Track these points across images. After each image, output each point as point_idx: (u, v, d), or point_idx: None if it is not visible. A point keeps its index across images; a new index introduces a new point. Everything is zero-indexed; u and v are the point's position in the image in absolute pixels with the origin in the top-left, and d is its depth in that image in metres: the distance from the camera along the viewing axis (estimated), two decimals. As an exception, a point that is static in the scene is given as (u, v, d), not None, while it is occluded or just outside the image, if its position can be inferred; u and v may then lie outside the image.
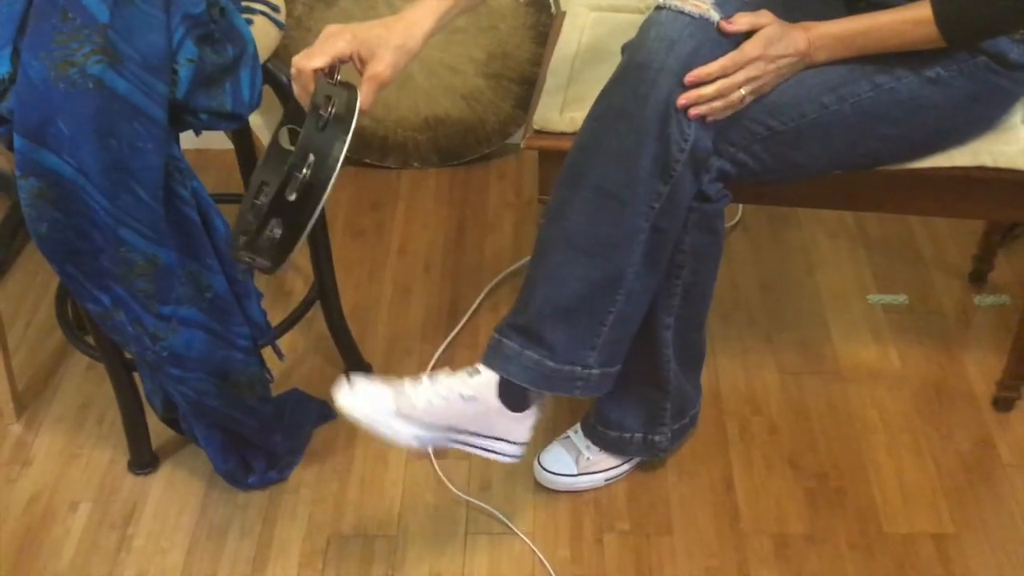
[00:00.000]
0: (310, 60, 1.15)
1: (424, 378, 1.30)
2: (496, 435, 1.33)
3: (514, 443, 1.35)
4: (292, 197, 1.10)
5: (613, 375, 1.36)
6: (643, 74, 1.22)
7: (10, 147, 1.23)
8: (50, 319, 1.81)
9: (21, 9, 1.23)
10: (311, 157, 1.09)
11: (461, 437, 1.32)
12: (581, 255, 1.27)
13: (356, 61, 1.18)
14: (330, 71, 1.16)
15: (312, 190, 1.10)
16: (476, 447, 1.34)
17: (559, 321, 1.30)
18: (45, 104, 1.19)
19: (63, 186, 1.23)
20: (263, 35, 1.38)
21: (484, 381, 1.31)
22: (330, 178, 1.10)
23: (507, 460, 1.36)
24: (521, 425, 1.35)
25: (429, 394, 1.28)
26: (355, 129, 1.13)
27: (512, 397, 1.32)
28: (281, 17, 1.44)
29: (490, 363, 1.32)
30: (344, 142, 1.11)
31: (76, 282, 1.32)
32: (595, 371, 1.33)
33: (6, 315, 1.86)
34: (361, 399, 1.27)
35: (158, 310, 1.34)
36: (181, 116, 1.27)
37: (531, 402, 1.34)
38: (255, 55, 1.33)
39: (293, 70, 1.17)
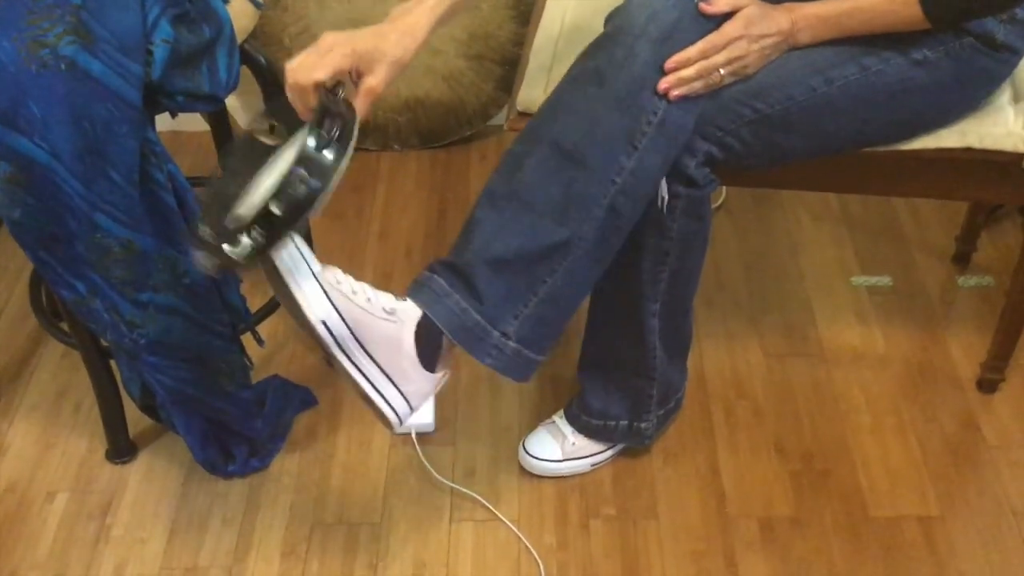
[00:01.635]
0: (311, 73, 1.12)
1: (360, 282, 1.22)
2: (392, 376, 1.22)
3: (404, 399, 1.23)
4: (278, 212, 1.07)
5: (530, 362, 1.28)
6: (622, 39, 1.20)
7: (-20, 131, 1.19)
8: (24, 306, 1.77)
9: (-10, -12, 1.20)
10: (306, 176, 1.07)
11: (360, 355, 1.20)
12: (529, 211, 1.23)
13: (353, 74, 1.16)
14: (333, 86, 1.14)
15: (298, 208, 1.08)
16: (367, 377, 1.21)
17: (493, 272, 1.23)
18: (16, 86, 1.16)
19: (35, 170, 1.20)
20: (240, 15, 1.36)
21: (407, 308, 1.23)
22: (317, 200, 1.08)
23: (388, 415, 1.22)
24: (419, 385, 1.23)
25: (356, 286, 1.20)
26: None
27: (425, 344, 1.23)
28: (258, -4, 1.41)
29: (415, 296, 1.24)
30: (342, 163, 1.09)
31: (51, 269, 1.29)
32: (511, 343, 1.26)
33: (-21, 302, 1.83)
34: (289, 244, 1.15)
35: (134, 297, 1.31)
36: (156, 98, 1.24)
37: (439, 363, 1.26)
38: (232, 35, 1.31)
39: (290, 79, 1.13)
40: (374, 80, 1.15)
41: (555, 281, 1.25)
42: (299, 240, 1.17)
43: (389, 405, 1.22)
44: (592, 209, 1.22)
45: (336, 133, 1.09)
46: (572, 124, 1.21)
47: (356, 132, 1.12)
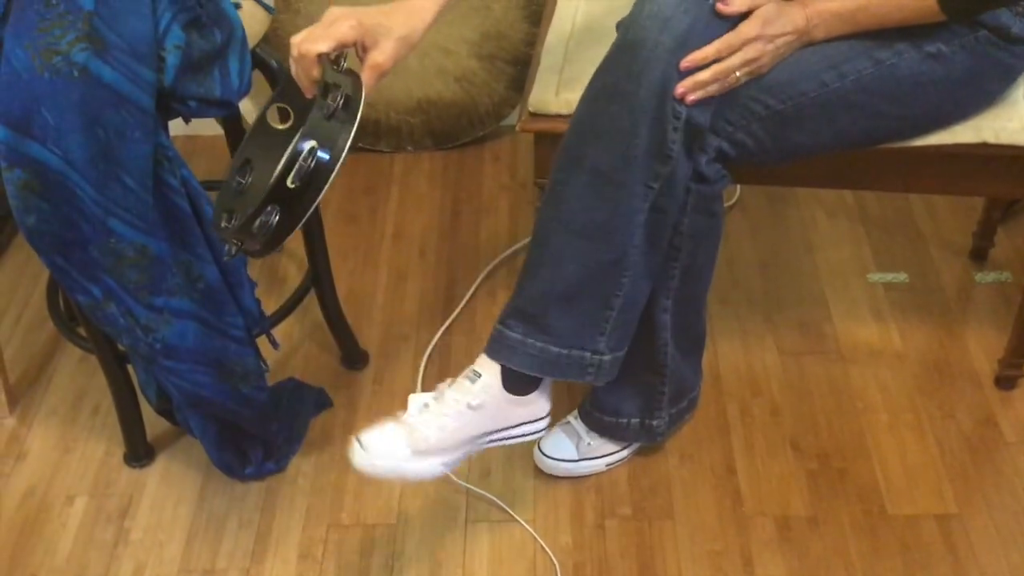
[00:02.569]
0: (315, 44, 1.12)
1: (429, 400, 1.29)
2: (515, 423, 1.33)
3: (535, 420, 1.35)
4: (293, 185, 1.07)
5: (622, 359, 1.35)
6: (637, 53, 1.20)
7: (-5, 138, 1.20)
8: (41, 311, 1.79)
9: (3, -4, 1.20)
10: (316, 146, 1.07)
11: (484, 440, 1.32)
12: (580, 239, 1.26)
13: (358, 48, 1.16)
14: (335, 58, 1.14)
15: (314, 180, 1.08)
16: (503, 439, 1.33)
17: (562, 307, 1.28)
18: (29, 93, 1.16)
19: (49, 177, 1.20)
20: (251, 19, 1.36)
21: (488, 382, 1.29)
22: (334, 169, 1.08)
23: (537, 436, 1.37)
24: (536, 404, 1.34)
25: (439, 419, 1.27)
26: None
27: (519, 384, 1.31)
28: (270, 1, 1.41)
29: (494, 355, 1.30)
30: (350, 133, 1.09)
31: (66, 274, 1.30)
32: (607, 356, 1.32)
33: (-3, 307, 1.84)
34: (376, 456, 1.25)
35: (150, 301, 1.32)
36: (169, 103, 1.25)
37: (539, 382, 1.33)
38: (244, 40, 1.31)
39: (295, 52, 1.13)
40: (380, 56, 1.15)
41: (625, 290, 1.29)
42: (371, 439, 1.24)
43: (530, 434, 1.36)
44: (636, 218, 1.25)
45: (341, 102, 1.08)
46: (604, 147, 1.22)
47: (362, 101, 1.11)
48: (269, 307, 1.58)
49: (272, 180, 1.07)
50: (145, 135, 1.22)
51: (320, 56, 1.12)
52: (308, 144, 1.06)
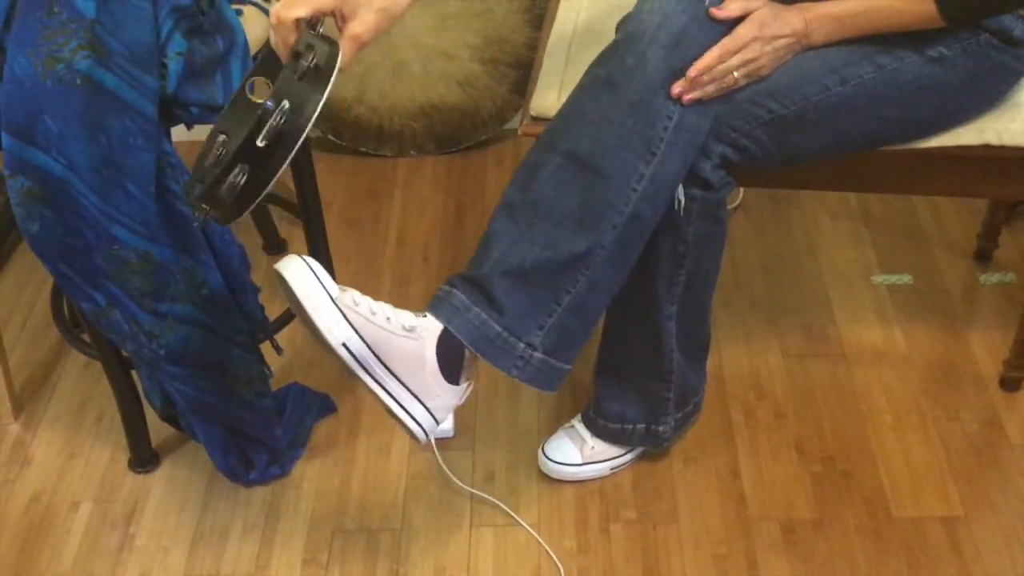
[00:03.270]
0: (292, 10, 1.11)
1: (374, 304, 1.22)
2: (416, 392, 1.23)
3: (430, 413, 1.24)
4: (262, 144, 1.05)
5: (557, 372, 1.29)
6: (633, 45, 1.20)
7: (-2, 145, 1.21)
8: (46, 317, 1.79)
9: (6, 4, 1.21)
10: (286, 104, 1.05)
11: (383, 373, 1.21)
12: (546, 221, 1.22)
13: (337, 18, 1.14)
14: (312, 23, 1.12)
15: (284, 139, 1.05)
16: (392, 395, 1.22)
17: (513, 284, 1.23)
18: (32, 101, 1.17)
19: (53, 184, 1.21)
20: (253, 25, 1.36)
21: (427, 324, 1.23)
22: (304, 129, 1.06)
23: (414, 429, 1.23)
24: (443, 399, 1.25)
25: (374, 306, 1.21)
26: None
27: (448, 358, 1.24)
28: (270, 7, 1.41)
29: (435, 311, 1.24)
30: (322, 95, 1.07)
31: (70, 281, 1.30)
32: (537, 354, 1.26)
33: (1, 314, 1.84)
34: (305, 269, 1.17)
35: (153, 308, 1.32)
36: (171, 110, 1.25)
37: (463, 374, 1.26)
38: (245, 46, 1.31)
39: (273, 19, 1.12)
40: (359, 26, 1.13)
41: (578, 290, 1.25)
42: (316, 265, 1.18)
43: (415, 420, 1.23)
44: (611, 217, 1.22)
45: (313, 62, 1.07)
46: (586, 132, 1.21)
47: (337, 66, 1.09)
48: (272, 312, 1.59)
49: (242, 139, 1.05)
50: (148, 142, 1.22)
51: (297, 21, 1.11)
52: (278, 102, 1.05)
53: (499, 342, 1.24)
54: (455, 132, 2.13)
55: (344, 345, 1.18)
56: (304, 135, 1.07)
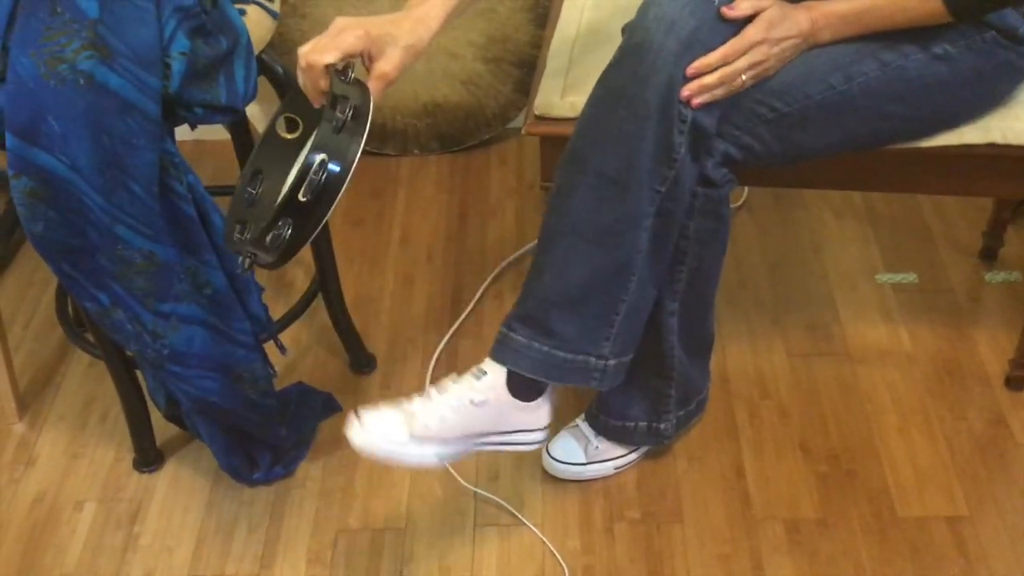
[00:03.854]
0: (322, 55, 1.12)
1: (432, 391, 1.29)
2: (516, 428, 1.32)
3: (535, 430, 1.35)
4: (305, 199, 1.07)
5: (627, 364, 1.35)
6: (642, 56, 1.19)
7: (1, 145, 1.21)
8: (50, 317, 1.79)
9: (9, 4, 1.21)
10: (326, 159, 1.07)
11: (481, 440, 1.31)
12: (586, 243, 1.25)
13: (365, 58, 1.16)
14: (343, 68, 1.13)
15: (325, 192, 1.08)
16: (499, 444, 1.33)
17: (568, 311, 1.28)
18: (35, 102, 1.17)
19: (56, 184, 1.21)
20: (256, 25, 1.36)
21: (492, 382, 1.29)
22: (344, 180, 1.08)
23: (533, 447, 1.36)
24: (538, 412, 1.34)
25: (440, 410, 1.27)
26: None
27: (523, 388, 1.30)
28: (275, 7, 1.42)
29: (498, 358, 1.30)
30: (360, 145, 1.09)
31: (74, 281, 1.30)
32: (611, 361, 1.32)
33: (6, 313, 1.84)
34: (374, 435, 1.25)
35: (157, 307, 1.32)
36: (175, 110, 1.25)
37: (543, 389, 1.33)
38: (249, 46, 1.31)
39: (302, 62, 1.13)
40: (387, 65, 1.15)
41: (631, 296, 1.29)
42: (371, 418, 1.25)
43: (527, 443, 1.35)
44: (643, 222, 1.24)
45: (350, 113, 1.09)
46: (611, 150, 1.22)
47: (371, 111, 1.11)
48: (276, 312, 1.59)
49: (283, 194, 1.08)
50: (151, 142, 1.22)
51: (327, 67, 1.12)
52: (319, 157, 1.07)
53: (568, 365, 1.30)
54: (459, 131, 2.13)
55: (438, 458, 1.28)
56: (344, 189, 1.09)
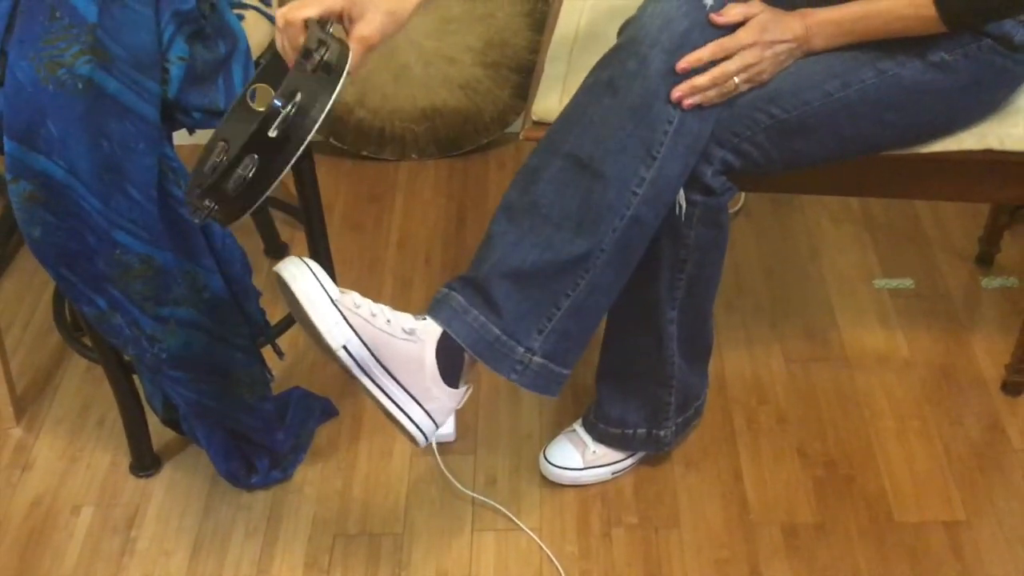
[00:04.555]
0: (300, 10, 1.09)
1: (373, 305, 1.22)
2: (415, 395, 1.23)
3: (429, 416, 1.23)
4: (273, 134, 1.03)
5: (557, 377, 1.28)
6: (635, 48, 1.20)
7: (0, 150, 1.21)
8: (47, 321, 1.79)
9: (8, 8, 1.21)
10: (299, 97, 1.03)
11: (382, 376, 1.21)
12: (546, 224, 1.22)
13: (345, 20, 1.13)
14: (321, 24, 1.11)
15: (294, 134, 1.04)
16: (391, 398, 1.22)
17: (512, 286, 1.23)
18: (34, 106, 1.17)
19: (55, 189, 1.21)
20: (255, 30, 1.36)
21: (427, 327, 1.23)
22: (314, 124, 1.05)
23: (413, 433, 1.23)
24: (442, 402, 1.24)
25: (375, 308, 1.20)
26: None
27: (448, 361, 1.24)
28: (273, 11, 1.42)
29: (434, 314, 1.24)
30: (332, 92, 1.05)
31: (71, 285, 1.30)
32: (536, 358, 1.26)
33: (3, 317, 1.84)
34: (305, 271, 1.16)
35: (155, 312, 1.32)
36: (173, 115, 1.25)
37: (462, 377, 1.26)
38: (247, 50, 1.31)
39: (280, 21, 1.11)
40: (367, 28, 1.12)
41: (577, 294, 1.25)
42: (316, 267, 1.17)
43: (414, 423, 1.23)
44: (612, 220, 1.22)
45: (325, 56, 1.05)
46: (587, 135, 1.21)
47: (348, 65, 1.08)
48: (274, 316, 1.59)
49: (254, 127, 1.03)
50: (149, 146, 1.22)
51: (307, 21, 1.09)
52: (291, 96, 1.03)
53: (498, 346, 1.24)
54: (457, 136, 2.13)
55: (344, 347, 1.18)
56: (314, 131, 1.05)
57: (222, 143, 1.15)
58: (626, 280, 1.28)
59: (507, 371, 1.26)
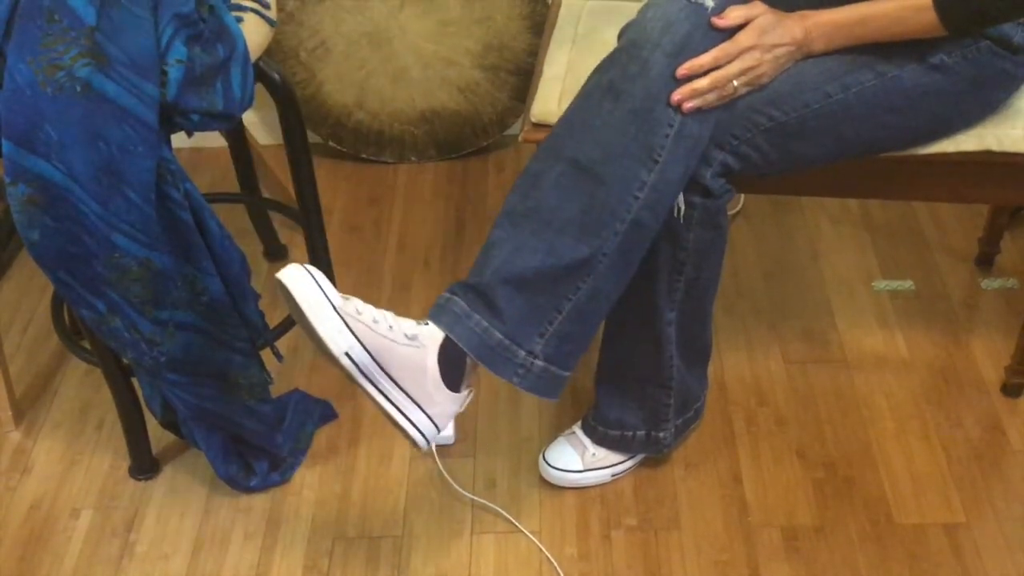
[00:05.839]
0: None
1: (377, 313, 1.22)
2: (417, 399, 1.23)
3: (430, 420, 1.24)
4: None
5: (558, 379, 1.29)
6: (635, 52, 1.20)
7: (-1, 153, 1.21)
8: (46, 324, 1.79)
9: (6, 11, 1.21)
10: None
11: (384, 382, 1.21)
12: (548, 229, 1.22)
13: None
14: None
15: None
16: (393, 403, 1.22)
17: (515, 291, 1.23)
18: (33, 109, 1.17)
19: (53, 192, 1.21)
20: (253, 33, 1.36)
21: (429, 332, 1.23)
22: None
23: (415, 437, 1.23)
24: (444, 406, 1.24)
25: (376, 314, 1.20)
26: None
27: (449, 365, 1.24)
28: (272, 14, 1.42)
29: (436, 319, 1.24)
30: None
31: (70, 289, 1.30)
32: (538, 362, 1.26)
33: (2, 321, 1.84)
34: (307, 278, 1.16)
35: (154, 315, 1.32)
36: (172, 117, 1.25)
37: (464, 381, 1.26)
38: (246, 53, 1.31)
39: None
40: None
41: (579, 298, 1.25)
42: (317, 273, 1.18)
43: (416, 427, 1.24)
44: (613, 224, 1.22)
45: None
46: (589, 140, 1.21)
47: None
48: (273, 319, 1.58)
49: None
50: (148, 149, 1.22)
51: None
52: None
53: (500, 350, 1.24)
54: (456, 138, 2.14)
55: (347, 354, 1.18)
56: None
57: None
58: (627, 283, 1.28)
59: (509, 375, 1.26)
